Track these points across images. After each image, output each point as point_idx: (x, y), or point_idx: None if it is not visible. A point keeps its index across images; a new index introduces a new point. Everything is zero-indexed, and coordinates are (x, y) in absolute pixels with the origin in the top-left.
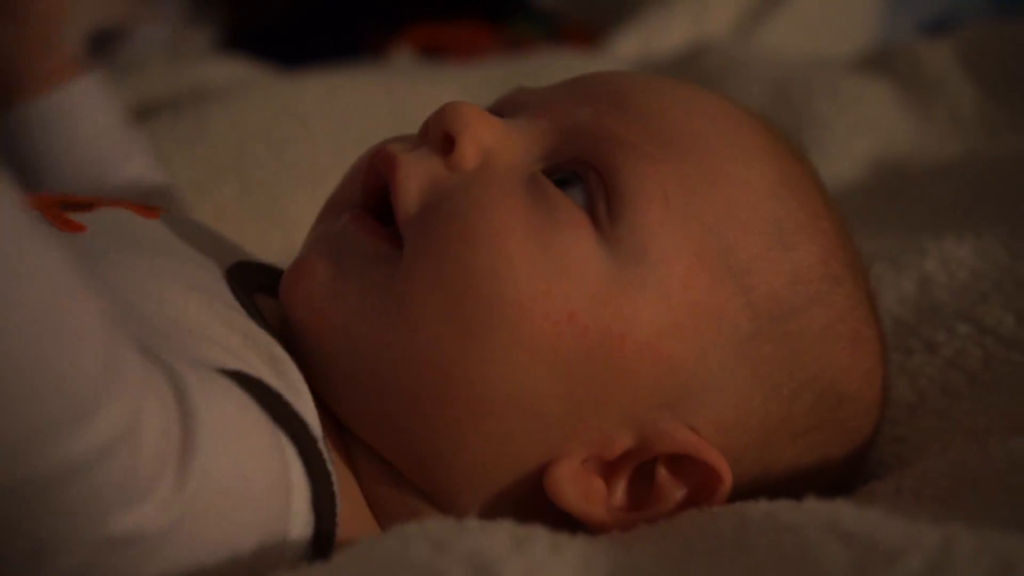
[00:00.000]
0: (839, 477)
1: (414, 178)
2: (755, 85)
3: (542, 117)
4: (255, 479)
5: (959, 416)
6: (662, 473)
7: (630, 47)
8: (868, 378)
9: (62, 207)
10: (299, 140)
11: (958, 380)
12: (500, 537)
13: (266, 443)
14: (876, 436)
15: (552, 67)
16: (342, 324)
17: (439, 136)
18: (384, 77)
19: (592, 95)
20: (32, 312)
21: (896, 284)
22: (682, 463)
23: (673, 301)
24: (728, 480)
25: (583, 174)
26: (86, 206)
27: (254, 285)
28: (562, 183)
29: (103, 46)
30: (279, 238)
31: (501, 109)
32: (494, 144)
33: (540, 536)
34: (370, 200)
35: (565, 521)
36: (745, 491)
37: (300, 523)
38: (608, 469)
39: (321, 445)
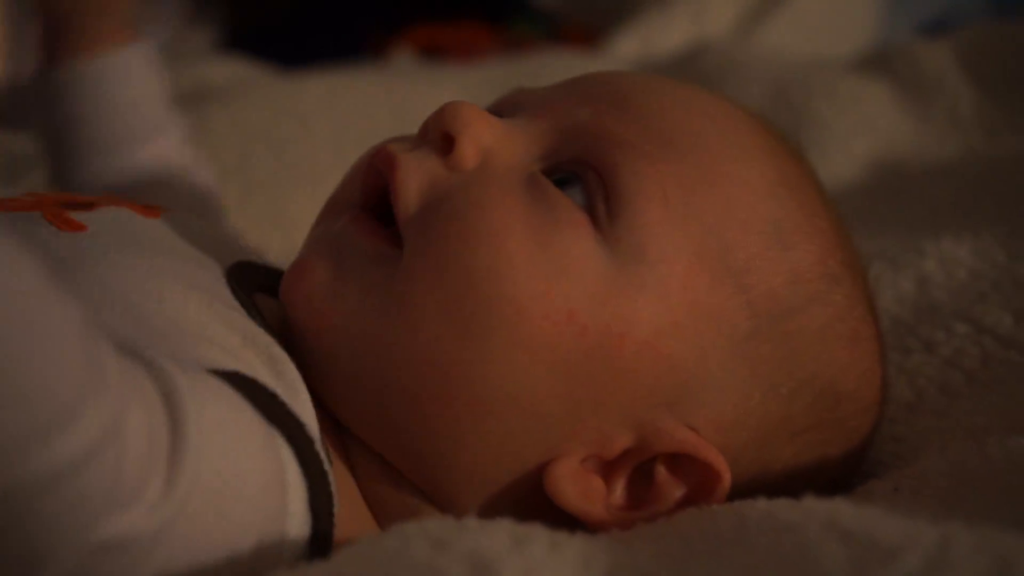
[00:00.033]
0: (838, 476)
1: (414, 178)
2: (754, 85)
3: (541, 117)
4: (248, 480)
5: (957, 415)
6: (661, 472)
7: (630, 47)
8: (866, 377)
9: (64, 206)
10: (299, 140)
11: (956, 379)
12: (499, 536)
13: (260, 444)
14: (874, 435)
15: (552, 67)
16: (342, 324)
17: (439, 136)
18: (384, 77)
19: (591, 95)
20: (6, 320)
21: (895, 284)
22: (681, 462)
23: (672, 301)
24: (727, 479)
25: (582, 174)
26: (87, 205)
27: (254, 285)
28: (562, 183)
29: None
30: (279, 238)
31: (500, 109)
32: (494, 144)
33: (539, 535)
34: (370, 200)
35: (565, 520)
36: (744, 490)
37: (297, 523)
38: (607, 468)
39: (318, 446)
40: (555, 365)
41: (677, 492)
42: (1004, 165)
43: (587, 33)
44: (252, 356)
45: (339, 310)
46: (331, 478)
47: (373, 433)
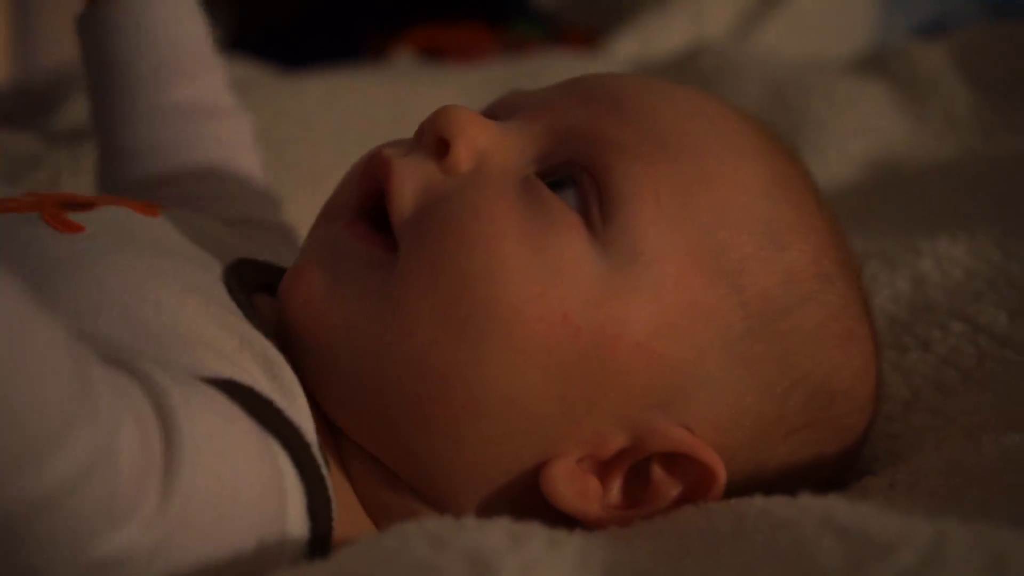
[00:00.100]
0: (832, 474)
1: (409, 182)
2: (752, 86)
3: (536, 119)
4: (245, 489)
5: (953, 413)
6: (657, 471)
7: (629, 49)
8: (861, 376)
9: (63, 206)
10: (300, 140)
11: (952, 377)
12: (498, 534)
13: (255, 452)
14: (869, 433)
15: (551, 68)
16: (339, 328)
17: (434, 140)
18: (385, 78)
19: (586, 97)
20: None
21: (891, 283)
22: (677, 461)
23: (666, 301)
24: (722, 477)
25: (576, 176)
26: (86, 205)
27: (254, 283)
28: (556, 185)
29: None
30: None
31: (496, 112)
32: (488, 147)
33: (537, 532)
34: (366, 205)
35: (562, 520)
36: (739, 488)
37: (296, 529)
38: (603, 468)
39: (315, 450)
40: (550, 367)
41: (673, 491)
42: (1000, 165)
43: (586, 34)
44: (248, 359)
45: (336, 314)
46: (329, 482)
47: (369, 436)
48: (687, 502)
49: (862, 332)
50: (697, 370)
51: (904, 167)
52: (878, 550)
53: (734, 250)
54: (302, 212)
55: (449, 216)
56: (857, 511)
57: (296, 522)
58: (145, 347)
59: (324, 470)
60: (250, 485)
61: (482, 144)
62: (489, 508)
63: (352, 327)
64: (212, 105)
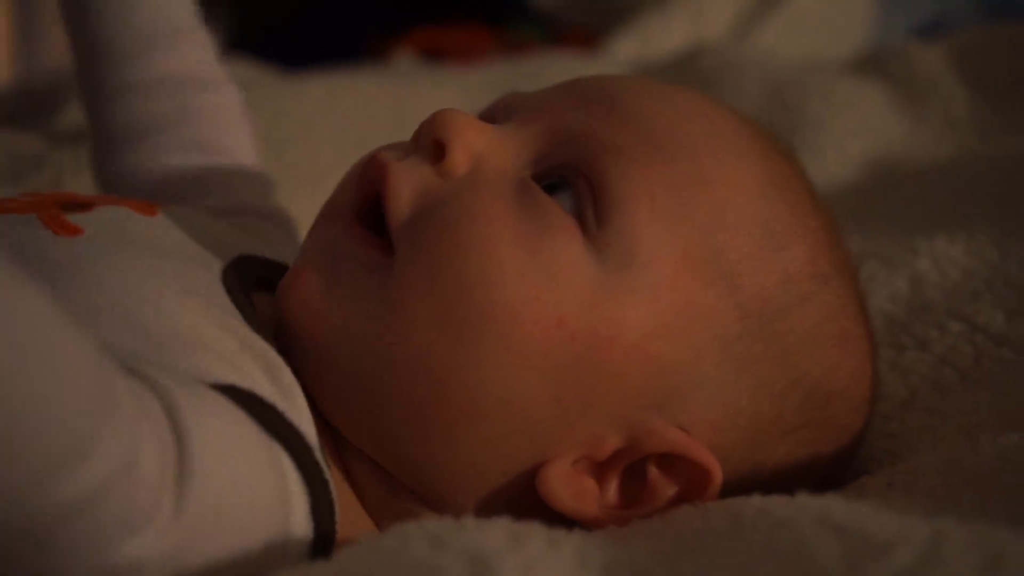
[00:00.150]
0: (829, 473)
1: (405, 186)
2: (751, 86)
3: (533, 122)
4: (253, 495)
5: (950, 412)
6: (653, 472)
7: (628, 50)
8: (857, 376)
9: (61, 207)
10: (300, 141)
11: (949, 377)
12: (497, 534)
13: (262, 457)
14: (866, 432)
15: (551, 69)
16: (336, 330)
17: (430, 143)
18: (385, 79)
19: (582, 99)
20: (22, 357)
21: (889, 283)
22: (673, 461)
23: (661, 303)
24: (718, 477)
25: (572, 179)
26: (85, 206)
27: (253, 281)
28: (552, 188)
29: None
30: None
31: (494, 114)
32: (484, 150)
33: (537, 532)
34: (364, 207)
35: (561, 520)
36: (737, 488)
37: (299, 531)
38: (599, 469)
39: (317, 454)
40: (546, 369)
41: (669, 491)
42: (998, 165)
43: (586, 35)
44: (249, 361)
45: (333, 316)
46: (332, 486)
47: (367, 438)
48: (684, 502)
49: (858, 332)
50: (693, 371)
51: (902, 167)
52: (875, 549)
53: (730, 251)
54: (303, 212)
55: (445, 219)
56: (854, 511)
57: (299, 524)
58: (146, 350)
59: (327, 473)
60: (257, 490)
61: (478, 147)
62: (488, 509)
63: (349, 329)
64: (200, 76)
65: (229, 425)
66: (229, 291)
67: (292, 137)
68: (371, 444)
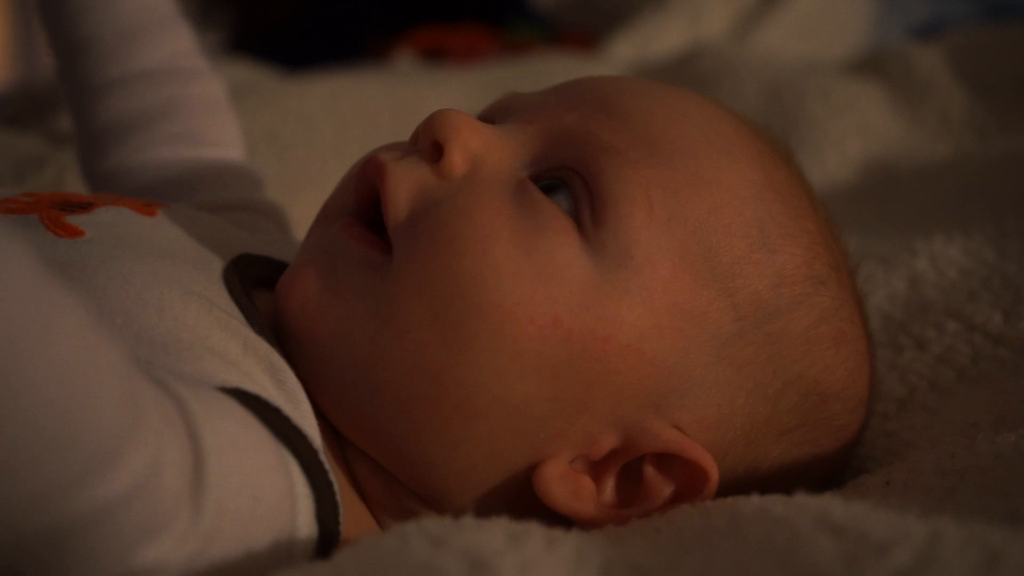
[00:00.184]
0: (827, 473)
1: (403, 186)
2: (749, 87)
3: (531, 123)
4: (264, 498)
5: (948, 411)
6: (649, 471)
7: (627, 51)
8: (853, 377)
9: (61, 208)
10: (303, 141)
11: (947, 376)
12: (496, 534)
13: (271, 462)
14: (864, 432)
15: (550, 70)
16: (334, 329)
17: (428, 144)
18: (386, 80)
19: (580, 100)
20: (57, 366)
21: (887, 283)
22: (669, 461)
23: (656, 304)
24: (714, 476)
25: (569, 180)
26: (85, 206)
27: (254, 279)
28: (550, 188)
29: None
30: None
31: (492, 115)
32: (482, 151)
33: (535, 532)
34: (362, 208)
35: (561, 519)
36: (734, 487)
37: (305, 534)
38: (596, 468)
39: (322, 456)
40: (541, 368)
41: (666, 490)
42: (995, 166)
43: (585, 36)
44: (253, 364)
45: (331, 315)
46: (336, 488)
47: (365, 436)
48: (681, 501)
49: (855, 334)
50: (688, 371)
51: (900, 167)
52: (874, 549)
53: (725, 253)
54: (305, 212)
55: (442, 219)
56: (853, 510)
57: (305, 526)
58: (151, 355)
59: (331, 476)
60: (267, 494)
61: (476, 148)
62: (487, 508)
63: (346, 327)
64: (182, 68)
65: (240, 430)
66: (231, 291)
67: (293, 138)
68: (369, 442)
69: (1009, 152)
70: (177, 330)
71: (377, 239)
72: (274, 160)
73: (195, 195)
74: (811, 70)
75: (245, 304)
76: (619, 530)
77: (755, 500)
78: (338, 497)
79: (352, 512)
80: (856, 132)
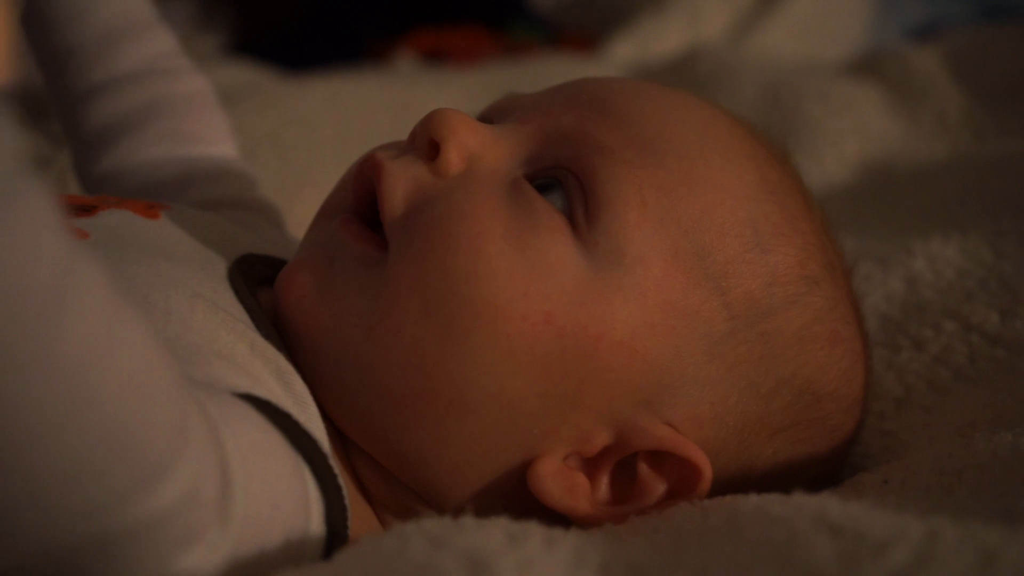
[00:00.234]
0: (822, 472)
1: (399, 183)
2: (748, 89)
3: (528, 122)
4: (283, 504)
5: (945, 410)
6: (643, 468)
7: (626, 52)
8: (847, 377)
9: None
10: (304, 143)
11: (944, 376)
12: (495, 534)
13: (289, 467)
14: (859, 432)
15: (550, 71)
16: (330, 324)
17: (425, 143)
18: (387, 81)
19: (576, 101)
20: (124, 378)
21: (884, 283)
22: (663, 458)
23: (648, 302)
24: (708, 474)
25: (563, 179)
26: (88, 209)
27: (257, 279)
28: (544, 187)
29: None
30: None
31: (491, 115)
32: (478, 150)
33: (534, 531)
34: (360, 206)
35: (559, 517)
36: (728, 486)
37: (315, 537)
38: (590, 465)
39: (331, 460)
40: (533, 365)
41: (660, 487)
42: (992, 166)
43: (585, 37)
44: (261, 367)
45: (327, 311)
46: (345, 492)
47: (363, 434)
48: (675, 498)
49: (849, 334)
50: (680, 369)
51: (898, 168)
52: (871, 548)
53: (719, 252)
54: (306, 212)
55: (437, 216)
56: (850, 509)
57: (316, 530)
58: None
59: (340, 480)
60: (287, 500)
61: (472, 146)
62: (485, 505)
63: (342, 323)
64: (165, 67)
65: (259, 436)
66: (236, 292)
67: (295, 138)
68: (366, 439)
69: (1006, 153)
70: (185, 333)
71: (374, 236)
72: (276, 161)
73: (189, 193)
74: (809, 71)
75: (251, 305)
76: (617, 529)
77: (753, 499)
78: (347, 501)
79: (356, 511)
80: (854, 133)
